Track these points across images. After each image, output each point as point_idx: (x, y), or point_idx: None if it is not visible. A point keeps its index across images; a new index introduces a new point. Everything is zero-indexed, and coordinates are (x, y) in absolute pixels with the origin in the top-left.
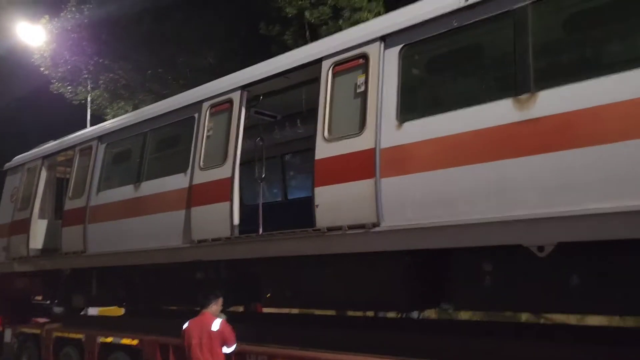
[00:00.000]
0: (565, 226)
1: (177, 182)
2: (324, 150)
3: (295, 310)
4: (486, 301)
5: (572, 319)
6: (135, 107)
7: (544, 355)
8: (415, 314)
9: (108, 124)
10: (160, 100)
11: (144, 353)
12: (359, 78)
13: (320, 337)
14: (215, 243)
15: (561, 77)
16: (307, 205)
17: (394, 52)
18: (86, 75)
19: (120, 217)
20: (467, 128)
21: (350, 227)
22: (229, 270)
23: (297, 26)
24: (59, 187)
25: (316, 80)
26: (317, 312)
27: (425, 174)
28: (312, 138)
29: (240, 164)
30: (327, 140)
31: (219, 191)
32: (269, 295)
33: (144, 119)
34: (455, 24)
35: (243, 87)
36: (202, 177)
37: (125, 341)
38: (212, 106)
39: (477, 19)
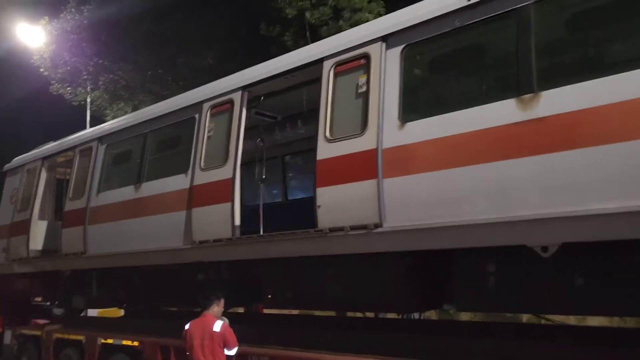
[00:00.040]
0: (570, 226)
1: (177, 183)
2: (325, 150)
3: (295, 312)
4: (489, 302)
5: (572, 320)
6: (135, 108)
7: (544, 356)
8: (416, 315)
9: (108, 125)
10: (160, 101)
11: (145, 354)
12: (360, 78)
13: (321, 338)
14: (217, 244)
15: (565, 76)
16: (307, 206)
17: (395, 52)
18: (86, 77)
19: (120, 218)
20: (469, 128)
21: (353, 228)
22: (230, 271)
23: (297, 27)
24: (58, 188)
25: (317, 80)
26: (318, 313)
27: (427, 174)
28: (312, 139)
29: (241, 165)
30: (329, 141)
31: (220, 192)
32: (270, 296)
33: (144, 119)
34: (457, 24)
35: (244, 88)
36: (203, 177)
37: (126, 342)
38: (213, 107)
39: (479, 19)
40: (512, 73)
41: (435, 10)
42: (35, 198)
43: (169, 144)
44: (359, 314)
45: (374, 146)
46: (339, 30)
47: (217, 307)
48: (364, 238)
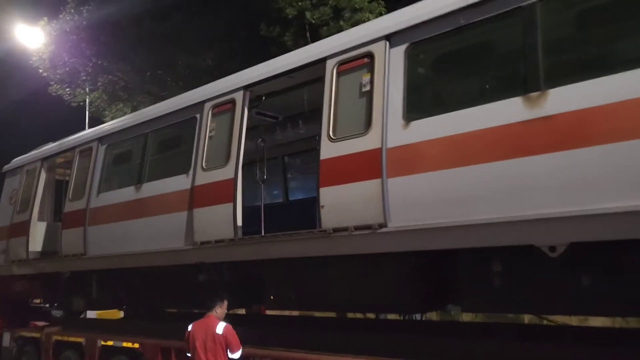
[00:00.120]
0: (579, 226)
1: (178, 183)
2: (329, 150)
3: (295, 313)
4: (494, 303)
5: (574, 320)
6: (134, 109)
7: (546, 357)
8: (417, 316)
9: (108, 125)
10: (159, 102)
11: (145, 356)
12: (364, 77)
13: (321, 339)
14: (219, 245)
15: (572, 74)
16: (308, 207)
17: (399, 51)
18: (84, 77)
19: (121, 219)
20: (475, 127)
21: (357, 228)
22: (232, 273)
23: (297, 27)
24: (58, 189)
25: (319, 80)
26: (318, 314)
27: (433, 173)
28: (314, 139)
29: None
30: (332, 140)
31: (221, 192)
32: (272, 297)
33: (145, 120)
34: (463, 22)
35: (246, 87)
36: (204, 178)
37: (127, 344)
38: (215, 106)
39: (484, 17)
40: (518, 71)
41: (439, 8)
42: (34, 199)
43: (170, 144)
44: (359, 315)
45: (378, 145)
46: (340, 30)
47: (220, 309)
48: (368, 238)
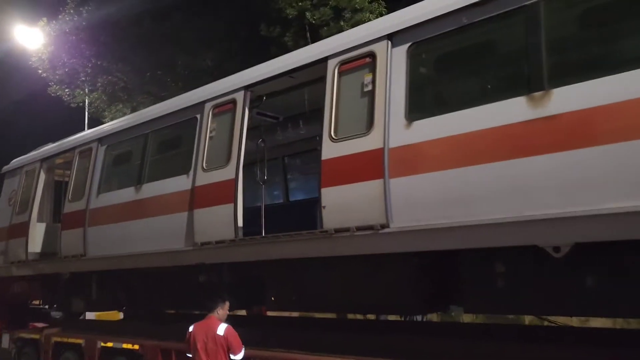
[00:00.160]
0: (583, 226)
1: (179, 184)
2: (330, 150)
3: (295, 314)
4: (498, 304)
5: (575, 321)
6: (134, 110)
7: (547, 358)
8: (418, 317)
9: (108, 126)
10: (158, 102)
11: (145, 358)
12: (365, 77)
13: (322, 340)
14: (219, 245)
15: (576, 73)
16: (308, 208)
17: (401, 51)
18: (84, 78)
19: (120, 219)
20: (478, 127)
21: (359, 229)
22: (232, 274)
23: (297, 27)
24: (57, 190)
25: (320, 80)
26: (318, 315)
27: (435, 173)
28: (315, 139)
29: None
30: (334, 141)
31: (222, 193)
32: (273, 298)
33: (145, 120)
34: (465, 21)
35: (246, 87)
36: (205, 178)
37: (126, 346)
38: (215, 107)
39: (487, 16)
40: (521, 70)
41: (442, 7)
42: (33, 200)
43: (170, 145)
44: (359, 316)
45: (380, 145)
46: (340, 30)
47: (222, 310)
48: (370, 239)
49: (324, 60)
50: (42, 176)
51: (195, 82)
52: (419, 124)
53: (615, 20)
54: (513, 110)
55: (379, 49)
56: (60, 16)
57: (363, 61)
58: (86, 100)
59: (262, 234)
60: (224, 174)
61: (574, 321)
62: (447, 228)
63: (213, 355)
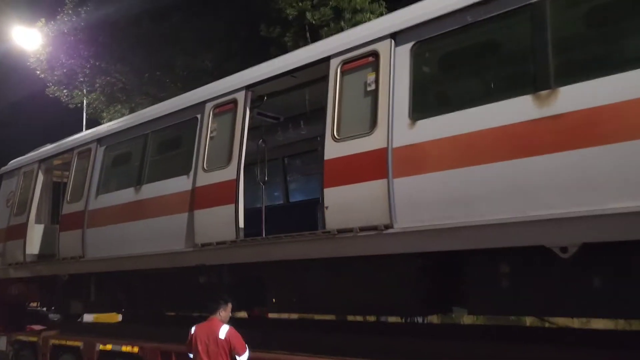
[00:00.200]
0: (591, 226)
1: (179, 184)
2: (333, 150)
3: (294, 315)
4: (502, 305)
5: (576, 323)
6: (132, 111)
7: (547, 359)
8: (419, 318)
9: (107, 126)
10: (157, 103)
11: None
12: (369, 76)
13: (322, 342)
14: (220, 246)
15: (583, 72)
16: (309, 208)
17: (405, 50)
18: (82, 79)
19: (120, 221)
20: (483, 126)
21: (362, 229)
22: (233, 275)
23: (297, 27)
24: (55, 191)
25: (322, 79)
26: (318, 317)
27: (440, 173)
28: (315, 140)
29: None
30: (337, 140)
31: (223, 193)
32: (274, 300)
33: (144, 120)
34: (470, 20)
35: (248, 87)
36: (205, 179)
37: (126, 348)
38: (216, 107)
39: (492, 14)
40: (527, 69)
41: (446, 6)
42: (32, 201)
43: (170, 145)
44: (358, 317)
45: (383, 145)
46: (340, 31)
47: (224, 312)
48: (373, 239)
49: (327, 60)
50: (41, 177)
51: (195, 82)
52: (423, 123)
53: (622, 18)
54: (518, 109)
55: (382, 48)
56: (58, 17)
57: (366, 60)
58: (84, 101)
59: (262, 235)
60: (225, 175)
61: (575, 322)
62: (451, 228)
63: (214, 358)
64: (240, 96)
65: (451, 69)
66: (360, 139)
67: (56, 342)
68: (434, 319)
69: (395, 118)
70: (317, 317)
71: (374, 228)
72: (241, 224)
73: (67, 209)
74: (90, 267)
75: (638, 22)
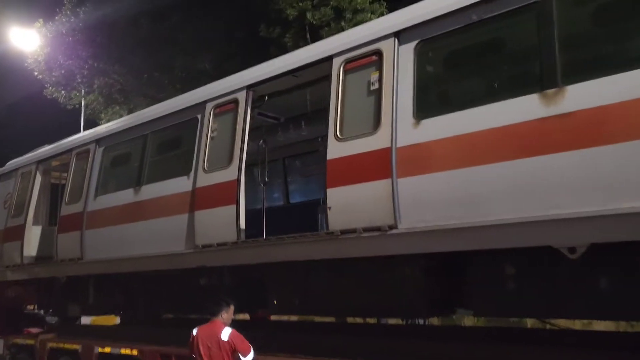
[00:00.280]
0: (600, 226)
1: (179, 185)
2: (336, 150)
3: (294, 317)
4: (508, 307)
5: (577, 324)
6: (130, 112)
7: None
8: (420, 320)
9: (106, 127)
10: (155, 104)
11: None
12: (372, 75)
13: (322, 344)
14: (221, 248)
15: (591, 70)
16: (309, 209)
17: (409, 48)
18: (80, 80)
19: (119, 222)
20: (489, 125)
21: (366, 230)
22: (234, 277)
23: (297, 28)
24: (53, 193)
25: (325, 79)
26: (318, 319)
27: (445, 173)
28: (316, 140)
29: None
30: (340, 140)
31: (224, 194)
32: (275, 302)
33: (144, 121)
34: (475, 18)
35: (249, 87)
36: (206, 179)
37: (125, 351)
38: (217, 107)
39: (497, 12)
40: (534, 67)
41: (450, 5)
42: (29, 203)
43: (170, 146)
44: (358, 319)
45: (387, 145)
46: (341, 31)
47: (227, 314)
48: (377, 240)
49: (329, 59)
50: (38, 178)
51: (194, 83)
52: (427, 122)
53: (630, 14)
54: (525, 108)
55: (386, 46)
56: (56, 17)
57: (369, 59)
58: (82, 102)
59: (262, 236)
60: (226, 175)
61: (577, 324)
62: (457, 229)
63: None
64: (242, 96)
65: (456, 67)
66: (364, 138)
67: (54, 345)
68: (434, 320)
69: (399, 117)
70: (317, 319)
71: (378, 229)
72: (242, 225)
73: (66, 210)
74: (89, 269)
75: None
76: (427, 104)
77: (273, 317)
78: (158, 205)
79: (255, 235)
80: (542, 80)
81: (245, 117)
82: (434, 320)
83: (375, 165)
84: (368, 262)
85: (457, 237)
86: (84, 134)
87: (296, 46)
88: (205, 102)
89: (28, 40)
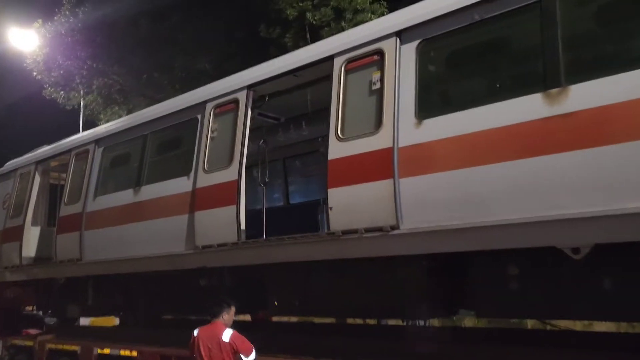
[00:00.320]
0: (604, 226)
1: (179, 185)
2: (337, 150)
3: (294, 318)
4: (511, 308)
5: (578, 325)
6: (130, 112)
7: None
8: (420, 321)
9: (106, 127)
10: (155, 104)
11: None
12: (373, 75)
13: (322, 346)
14: (221, 248)
15: (595, 69)
16: (309, 210)
17: (411, 48)
18: (79, 80)
19: (118, 223)
20: (492, 125)
21: (367, 230)
22: (234, 277)
23: (297, 28)
24: (52, 193)
25: (326, 78)
26: (317, 320)
27: (447, 173)
28: (316, 141)
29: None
30: (341, 140)
31: (224, 194)
32: (276, 303)
33: (143, 121)
34: (477, 17)
35: (249, 87)
36: (206, 180)
37: (124, 352)
38: (217, 107)
39: (500, 12)
40: (537, 67)
41: (452, 4)
42: (28, 203)
43: (170, 146)
44: (358, 320)
45: (389, 145)
46: (341, 31)
47: (228, 315)
48: (379, 240)
49: (330, 59)
50: (37, 179)
51: (193, 84)
52: (429, 122)
53: (634, 13)
54: (528, 107)
55: (388, 46)
56: (55, 17)
57: (371, 59)
58: (81, 103)
59: (262, 237)
60: (227, 175)
61: (577, 325)
62: (459, 229)
63: None
64: (242, 96)
65: (458, 67)
66: (365, 138)
67: (53, 346)
68: (434, 321)
69: (401, 117)
70: (318, 320)
71: (380, 229)
72: (243, 226)
73: (65, 210)
74: (88, 270)
75: None
76: (429, 103)
77: (274, 318)
78: (158, 205)
79: (255, 236)
80: (546, 80)
81: (245, 117)
82: (434, 321)
83: (377, 165)
84: (369, 262)
85: (459, 237)
86: (83, 134)
87: (296, 46)
88: (205, 102)
89: (27, 40)
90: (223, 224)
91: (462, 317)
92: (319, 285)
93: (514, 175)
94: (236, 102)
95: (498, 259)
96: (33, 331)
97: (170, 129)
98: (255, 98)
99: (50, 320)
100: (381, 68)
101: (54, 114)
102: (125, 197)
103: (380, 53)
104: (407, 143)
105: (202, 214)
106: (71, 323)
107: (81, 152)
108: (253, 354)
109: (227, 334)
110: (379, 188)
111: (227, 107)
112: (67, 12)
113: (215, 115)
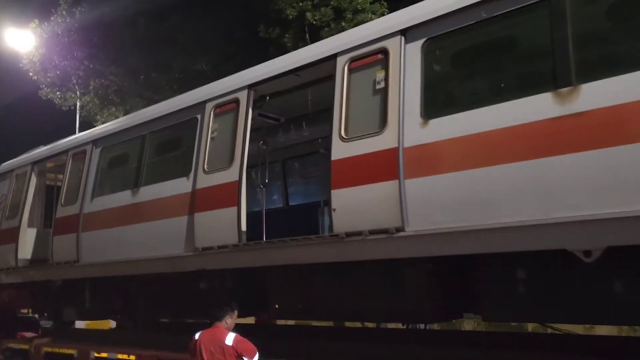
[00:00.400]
0: (616, 228)
1: (178, 186)
2: (341, 150)
3: (291, 322)
4: (519, 312)
5: (580, 329)
6: (127, 113)
7: None
8: (421, 325)
9: (103, 127)
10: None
11: None
12: (378, 74)
13: (322, 348)
14: (222, 250)
15: (606, 68)
16: (309, 211)
17: (416, 47)
18: (75, 81)
19: (116, 224)
20: (500, 125)
21: (372, 232)
22: (234, 280)
23: (297, 28)
24: (48, 195)
25: (328, 78)
26: (315, 323)
27: (454, 174)
28: (317, 141)
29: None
30: (345, 140)
31: (225, 195)
32: (277, 306)
33: (142, 121)
34: (484, 15)
35: (250, 86)
36: (206, 181)
37: (122, 356)
38: (217, 106)
39: (508, 10)
40: (547, 66)
41: (458, 2)
42: (24, 204)
43: (169, 146)
44: (357, 324)
45: (394, 145)
46: (341, 31)
47: (230, 319)
48: (384, 243)
49: (333, 58)
50: (33, 180)
51: (192, 84)
52: (435, 122)
53: None
54: (538, 107)
55: (392, 45)
56: (52, 17)
57: (375, 58)
58: (77, 104)
59: (262, 239)
60: (227, 176)
61: (579, 328)
62: (466, 231)
63: None
64: (243, 95)
65: (465, 66)
66: (370, 138)
67: (49, 349)
68: (434, 325)
69: (406, 117)
70: (320, 323)
71: (385, 231)
72: (243, 227)
73: (61, 212)
74: (85, 272)
75: None
76: (436, 103)
77: (278, 322)
78: (157, 207)
79: (255, 237)
80: (556, 79)
81: (246, 117)
82: (434, 325)
83: (382, 166)
84: (374, 265)
85: (467, 240)
86: (80, 135)
87: (296, 47)
88: (205, 102)
89: (23, 40)
90: (223, 225)
91: (461, 320)
92: (321, 289)
93: (522, 176)
94: (237, 101)
95: (505, 261)
96: (29, 334)
97: (170, 129)
98: (256, 98)
99: (46, 323)
100: (385, 67)
101: (50, 114)
102: (123, 198)
103: (384, 52)
104: (413, 143)
105: (202, 215)
106: (67, 326)
107: (78, 152)
108: (256, 357)
109: (230, 338)
110: (384, 189)
111: (227, 106)
112: (64, 12)
113: (215, 115)
